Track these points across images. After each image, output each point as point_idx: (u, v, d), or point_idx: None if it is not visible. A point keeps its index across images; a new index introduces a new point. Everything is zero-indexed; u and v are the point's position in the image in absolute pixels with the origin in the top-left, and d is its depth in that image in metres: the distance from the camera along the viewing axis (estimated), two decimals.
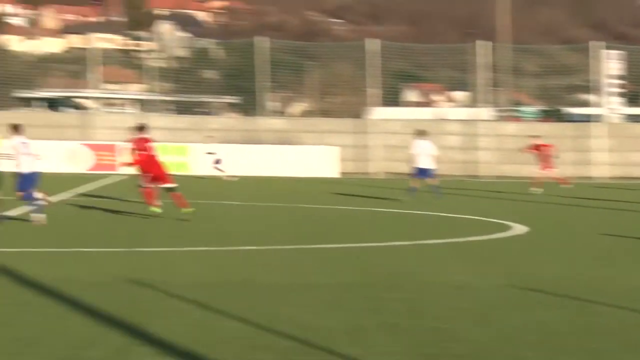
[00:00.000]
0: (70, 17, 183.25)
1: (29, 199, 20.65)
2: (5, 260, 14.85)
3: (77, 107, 76.50)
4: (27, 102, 75.09)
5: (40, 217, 20.48)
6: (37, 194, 20.59)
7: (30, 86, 72.24)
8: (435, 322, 10.76)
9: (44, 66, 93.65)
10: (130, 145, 24.37)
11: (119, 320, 10.52)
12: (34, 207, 20.62)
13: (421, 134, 30.04)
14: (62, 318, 10.60)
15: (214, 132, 45.66)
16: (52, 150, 43.89)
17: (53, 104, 71.78)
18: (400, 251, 17.52)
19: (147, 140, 23.75)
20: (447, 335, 9.99)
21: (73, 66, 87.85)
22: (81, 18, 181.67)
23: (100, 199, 28.24)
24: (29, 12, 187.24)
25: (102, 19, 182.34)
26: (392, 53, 53.80)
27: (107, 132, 47.02)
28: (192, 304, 11.51)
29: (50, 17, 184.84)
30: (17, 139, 20.81)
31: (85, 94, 73.03)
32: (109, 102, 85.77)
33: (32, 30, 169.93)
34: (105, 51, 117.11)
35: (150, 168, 22.81)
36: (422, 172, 29.28)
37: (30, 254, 15.95)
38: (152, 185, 22.88)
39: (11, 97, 66.51)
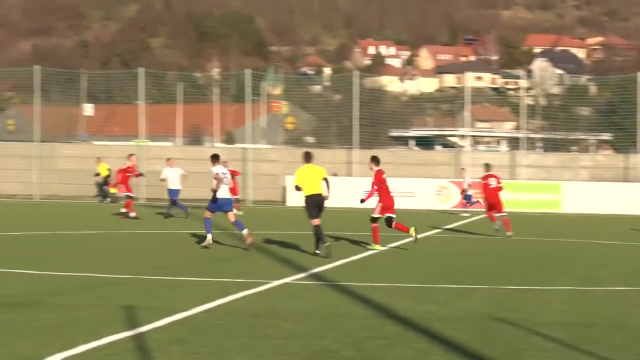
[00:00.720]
0: (445, 56, 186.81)
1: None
2: (376, 294, 15.29)
3: (447, 145, 77.66)
4: (402, 140, 77.18)
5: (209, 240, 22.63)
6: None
7: (404, 125, 74.28)
8: None
9: (418, 105, 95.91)
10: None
11: (482, 357, 10.53)
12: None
13: None
14: (427, 353, 10.77)
15: (584, 170, 44.67)
16: (423, 187, 44.78)
17: (424, 142, 73.31)
18: None
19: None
20: None
21: (445, 105, 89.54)
22: (455, 57, 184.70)
23: (465, 236, 28.46)
24: (405, 53, 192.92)
25: (475, 58, 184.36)
26: None
27: (476, 169, 47.38)
28: (558, 344, 11.33)
29: (425, 58, 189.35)
30: (220, 169, 23.11)
31: (456, 132, 74.11)
32: (479, 140, 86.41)
33: (408, 70, 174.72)
34: (478, 90, 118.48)
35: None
36: None
37: (398, 288, 16.32)
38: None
39: (387, 136, 68.68)
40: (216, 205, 22.91)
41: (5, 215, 36.16)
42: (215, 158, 23.51)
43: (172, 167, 35.33)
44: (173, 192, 34.89)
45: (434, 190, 44.83)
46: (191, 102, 73.55)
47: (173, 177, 34.98)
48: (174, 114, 70.58)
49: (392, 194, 23.68)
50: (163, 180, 35.20)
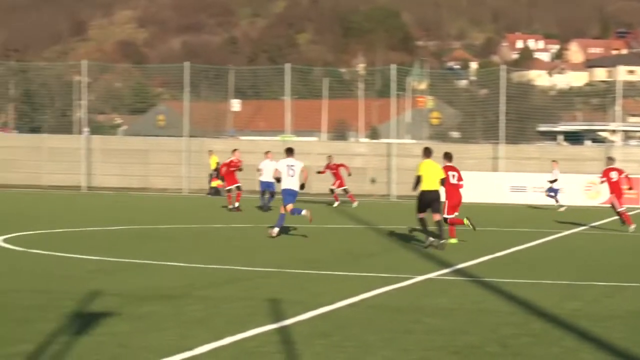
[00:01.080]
0: (596, 50, 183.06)
1: (294, 212, 23.86)
2: (521, 291, 15.06)
3: (597, 140, 76.01)
4: (550, 135, 75.94)
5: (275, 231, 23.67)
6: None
7: (553, 120, 73.08)
8: None
9: (567, 100, 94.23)
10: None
11: (634, 357, 10.26)
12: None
13: None
14: (575, 350, 10.55)
15: None
16: (571, 183, 43.92)
17: (573, 137, 71.94)
18: None
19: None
20: None
21: (595, 99, 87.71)
22: (606, 51, 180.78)
23: (613, 233, 27.81)
24: (554, 46, 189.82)
25: (627, 51, 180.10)
26: None
27: (626, 165, 46.27)
28: None
29: (575, 51, 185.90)
30: (284, 161, 24.00)
31: (606, 127, 72.45)
32: (631, 135, 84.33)
33: (557, 64, 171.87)
34: (630, 83, 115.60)
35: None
36: None
37: (544, 285, 16.04)
38: None
39: (535, 130, 67.67)
40: (288, 197, 23.77)
41: (155, 209, 37.03)
42: (288, 151, 24.30)
43: (271, 160, 35.85)
44: (264, 184, 35.54)
45: (583, 187, 43.94)
46: (336, 97, 73.91)
47: (268, 170, 35.42)
48: (319, 109, 71.06)
49: (460, 192, 23.74)
50: (259, 170, 35.80)
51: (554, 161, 42.17)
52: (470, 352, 10.36)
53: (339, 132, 79.13)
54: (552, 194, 40.43)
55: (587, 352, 10.47)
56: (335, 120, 78.21)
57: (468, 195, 43.49)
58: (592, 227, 30.63)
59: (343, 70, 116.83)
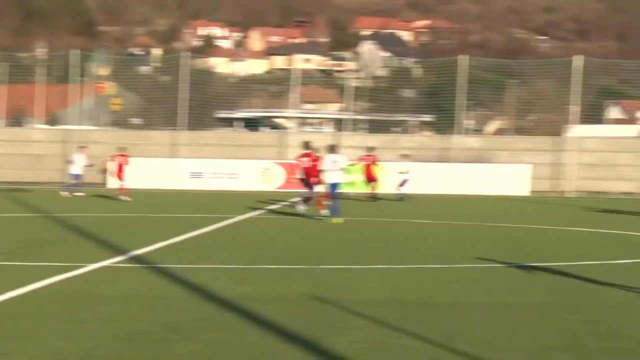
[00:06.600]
0: (276, 38, 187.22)
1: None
2: (196, 276, 15.29)
3: (275, 126, 77.91)
4: (228, 122, 77.04)
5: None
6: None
7: (232, 107, 74.17)
8: (625, 343, 10.53)
9: (246, 87, 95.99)
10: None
11: (299, 336, 10.68)
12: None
13: None
14: (243, 333, 10.84)
15: (406, 150, 44.93)
16: (248, 168, 45.00)
17: (251, 124, 73.40)
18: (588, 271, 16.85)
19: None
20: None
21: (274, 86, 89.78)
22: (286, 39, 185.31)
23: (288, 216, 28.72)
24: (236, 34, 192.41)
25: (305, 40, 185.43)
26: (596, 70, 52.49)
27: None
28: (372, 321, 11.56)
29: (256, 39, 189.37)
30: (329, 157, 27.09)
31: (283, 114, 74.53)
32: (305, 122, 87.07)
33: (238, 52, 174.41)
34: (306, 71, 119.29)
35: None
36: None
37: (219, 270, 16.36)
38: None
39: (214, 117, 68.41)
40: None
41: None
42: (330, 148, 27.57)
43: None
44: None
45: (259, 172, 45.07)
46: (16, 83, 71.67)
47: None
48: None
49: None
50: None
51: (404, 155, 41.24)
52: (142, 339, 10.44)
53: (16, 119, 76.73)
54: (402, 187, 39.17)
55: (255, 334, 10.79)
56: (13, 106, 75.68)
57: (149, 182, 43.81)
58: (269, 210, 31.45)
59: (23, 55, 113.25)
